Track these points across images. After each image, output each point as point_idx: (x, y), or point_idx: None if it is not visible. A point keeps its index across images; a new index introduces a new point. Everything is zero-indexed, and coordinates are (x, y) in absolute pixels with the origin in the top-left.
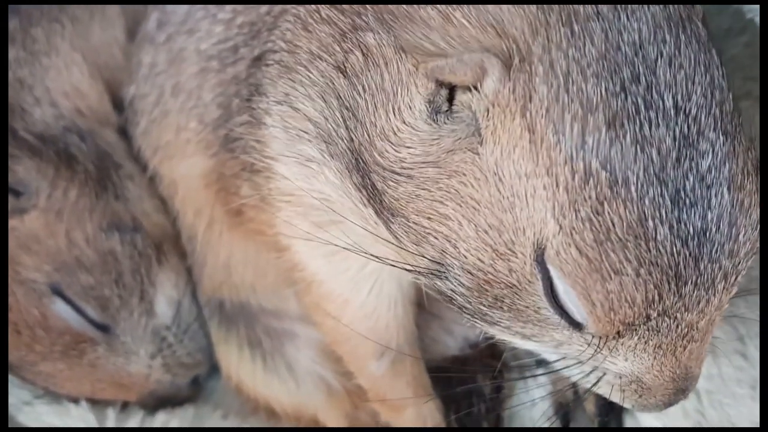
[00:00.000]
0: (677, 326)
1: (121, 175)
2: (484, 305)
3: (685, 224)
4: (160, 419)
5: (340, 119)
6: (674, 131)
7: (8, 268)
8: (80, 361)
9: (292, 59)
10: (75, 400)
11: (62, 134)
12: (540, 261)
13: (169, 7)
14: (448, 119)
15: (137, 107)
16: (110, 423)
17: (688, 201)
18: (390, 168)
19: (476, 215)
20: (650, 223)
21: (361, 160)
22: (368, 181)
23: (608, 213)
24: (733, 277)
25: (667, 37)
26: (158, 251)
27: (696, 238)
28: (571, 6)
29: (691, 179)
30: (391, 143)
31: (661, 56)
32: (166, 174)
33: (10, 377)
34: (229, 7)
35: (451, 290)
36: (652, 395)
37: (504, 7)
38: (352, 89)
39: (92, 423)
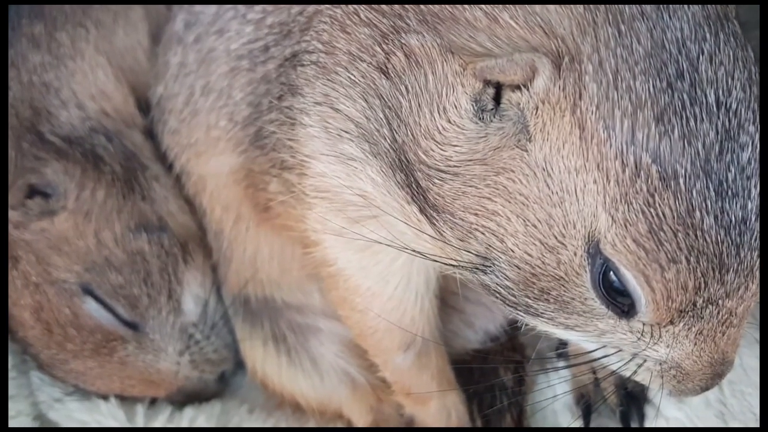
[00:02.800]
0: (719, 312)
1: (148, 176)
2: (529, 297)
3: (728, 214)
4: (187, 415)
5: (383, 119)
6: (717, 125)
7: (39, 268)
8: (110, 359)
9: (331, 60)
10: (104, 397)
11: (89, 135)
12: (592, 253)
13: (197, 8)
14: (495, 117)
15: (165, 107)
16: (139, 419)
17: (730, 192)
18: (435, 166)
19: (525, 210)
20: (698, 213)
21: (405, 159)
22: (412, 179)
23: (659, 205)
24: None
25: (708, 35)
26: (184, 251)
27: (737, 228)
28: (616, 6)
29: (733, 171)
30: (437, 142)
31: (703, 53)
32: (195, 171)
33: (41, 375)
34: (258, 8)
35: (496, 284)
36: (690, 380)
37: (551, 7)
38: (395, 90)
39: (122, 419)
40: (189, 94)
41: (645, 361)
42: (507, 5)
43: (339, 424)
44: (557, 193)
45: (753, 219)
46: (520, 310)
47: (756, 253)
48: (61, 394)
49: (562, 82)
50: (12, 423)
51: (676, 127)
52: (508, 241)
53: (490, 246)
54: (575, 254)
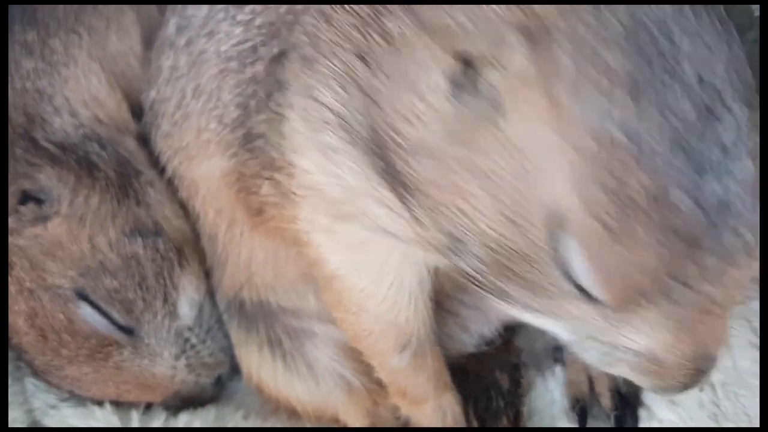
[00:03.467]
0: (697, 298)
1: (142, 182)
2: (502, 281)
3: (709, 195)
4: (182, 420)
5: (362, 107)
6: (698, 103)
7: (33, 274)
8: (106, 364)
9: (314, 51)
10: (99, 403)
11: (82, 142)
12: (557, 232)
13: (189, 11)
14: (471, 97)
15: (158, 110)
16: (134, 424)
17: (712, 172)
18: (412, 149)
19: (496, 189)
20: (675, 192)
21: (382, 145)
22: (390, 165)
23: (633, 184)
24: (753, 246)
25: (691, 16)
26: (179, 255)
27: (719, 209)
28: None
29: (716, 151)
30: (414, 125)
31: (686, 33)
32: (187, 175)
33: (36, 382)
34: (248, 8)
35: (471, 267)
36: (671, 376)
37: None
38: (373, 76)
39: (116, 425)
40: (180, 98)
41: (621, 352)
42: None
43: None
44: (529, 171)
45: (738, 202)
46: (495, 296)
47: (739, 239)
48: (55, 400)
49: (537, 57)
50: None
51: (653, 103)
52: (479, 221)
53: (462, 226)
54: (543, 233)
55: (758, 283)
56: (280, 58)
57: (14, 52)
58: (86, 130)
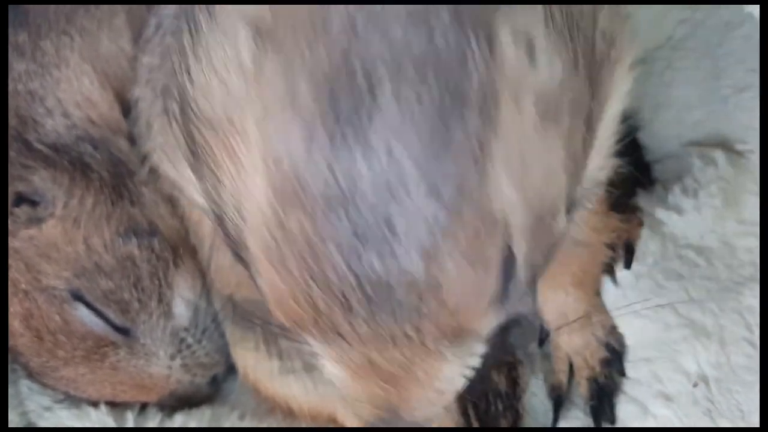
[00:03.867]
0: (352, 353)
1: (136, 182)
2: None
3: (363, 261)
4: (178, 421)
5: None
6: (374, 170)
7: (28, 276)
8: (102, 365)
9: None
10: (95, 404)
11: (75, 143)
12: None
13: (165, 10)
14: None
15: (140, 109)
16: (129, 425)
17: (369, 241)
18: (206, 120)
19: (231, 164)
20: (322, 239)
21: (186, 119)
22: (192, 138)
23: (290, 211)
24: (418, 343)
25: (410, 72)
26: (175, 254)
27: (374, 282)
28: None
29: (380, 222)
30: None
31: (391, 86)
32: (169, 174)
33: (30, 384)
34: None
35: (225, 232)
36: (348, 389)
37: None
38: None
39: (111, 426)
40: (153, 96)
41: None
42: None
43: None
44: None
45: (395, 285)
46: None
47: (393, 318)
48: (50, 402)
49: (258, 55)
50: None
51: (324, 155)
52: (223, 191)
53: (221, 198)
54: (238, 221)
55: (751, 279)
56: None
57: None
58: (79, 131)
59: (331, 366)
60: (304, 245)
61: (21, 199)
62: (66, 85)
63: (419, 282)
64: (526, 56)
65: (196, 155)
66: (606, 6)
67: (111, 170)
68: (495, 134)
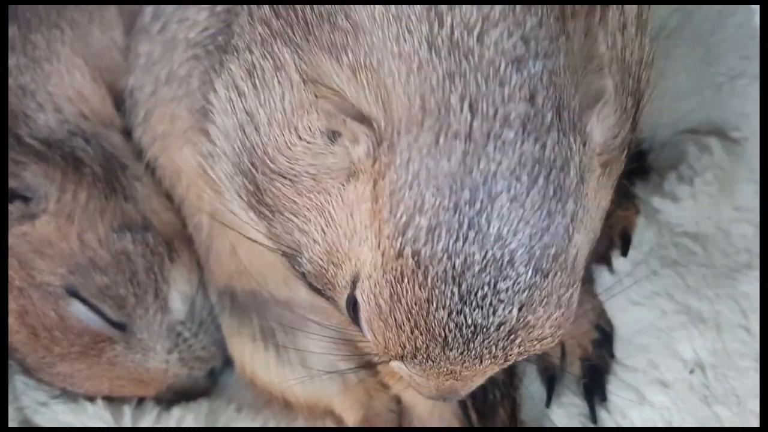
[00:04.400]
0: (439, 369)
1: (129, 176)
2: (318, 285)
3: (466, 317)
4: (175, 415)
5: (237, 122)
6: (486, 252)
7: (22, 273)
8: (99, 360)
9: (232, 47)
10: (91, 399)
11: (67, 138)
12: (352, 284)
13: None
14: (336, 148)
15: (136, 98)
16: (126, 419)
17: (475, 303)
18: (279, 172)
19: (328, 228)
20: (433, 306)
21: (250, 162)
22: (252, 181)
23: (405, 285)
24: (502, 360)
25: (524, 178)
26: (170, 248)
27: (473, 329)
28: (451, 117)
29: (486, 289)
30: (284, 156)
31: (507, 191)
32: (168, 164)
33: (26, 380)
34: None
35: (302, 270)
36: (423, 389)
37: (398, 86)
38: (255, 97)
39: (108, 420)
40: (155, 84)
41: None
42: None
43: (329, 422)
44: (351, 230)
45: (492, 330)
46: (315, 292)
47: (487, 351)
48: (46, 397)
49: (373, 160)
50: None
51: (443, 241)
52: (311, 244)
53: (300, 243)
54: (344, 277)
55: (746, 266)
56: (227, 45)
57: None
58: (71, 125)
59: (410, 370)
60: (414, 307)
61: (13, 195)
62: (57, 79)
63: (513, 325)
64: (604, 136)
65: (258, 198)
66: (648, 30)
67: (104, 165)
68: (583, 207)
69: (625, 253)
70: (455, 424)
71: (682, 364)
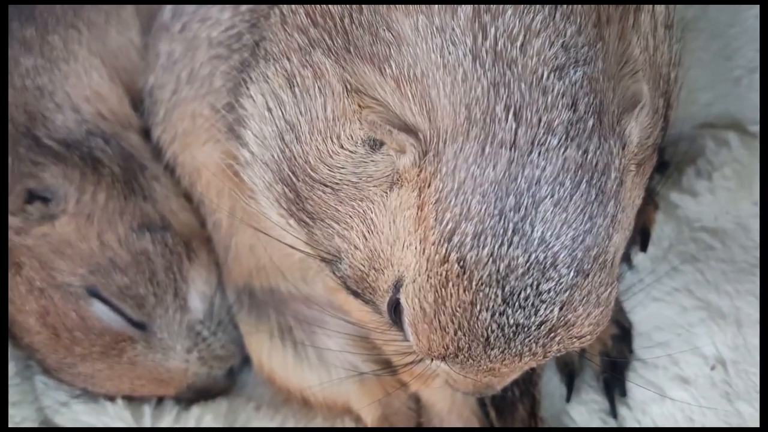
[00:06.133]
0: (479, 366)
1: (147, 176)
2: (358, 290)
3: (508, 317)
4: (194, 413)
5: (277, 130)
6: (530, 255)
7: (43, 273)
8: (120, 360)
9: (266, 53)
10: (111, 398)
11: (86, 138)
12: (395, 288)
13: None
14: (379, 156)
15: (156, 97)
16: (146, 419)
17: (517, 304)
18: (320, 180)
19: (370, 235)
20: (477, 308)
21: (290, 171)
22: (293, 189)
23: (450, 289)
24: (541, 357)
25: (567, 183)
26: (188, 248)
27: (515, 328)
28: (496, 126)
29: (528, 291)
30: (326, 164)
31: (551, 196)
32: (188, 162)
33: (46, 380)
34: None
35: (341, 274)
36: (460, 386)
37: (443, 98)
38: (295, 106)
39: (129, 420)
40: (176, 83)
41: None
42: (418, 70)
43: (347, 419)
44: (393, 236)
45: (534, 329)
46: (355, 296)
47: (527, 348)
48: (67, 397)
49: (418, 169)
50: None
51: (488, 246)
52: (352, 250)
53: (341, 249)
54: (386, 282)
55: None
56: (256, 46)
57: (13, 50)
58: (89, 125)
59: (449, 369)
60: (458, 310)
61: (32, 196)
62: (75, 79)
63: (554, 323)
64: (640, 138)
65: (298, 205)
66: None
67: (122, 165)
68: (621, 208)
69: (644, 249)
70: (474, 422)
71: (702, 360)
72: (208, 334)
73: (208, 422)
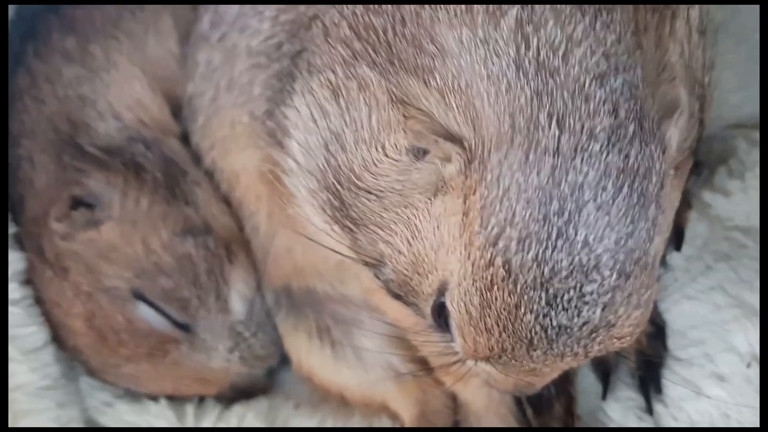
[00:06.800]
0: (522, 367)
1: (188, 181)
2: (401, 293)
3: (551, 320)
4: (236, 412)
5: (322, 140)
6: (573, 258)
7: (90, 278)
8: (164, 361)
9: (310, 65)
10: (154, 398)
11: (128, 145)
12: (439, 292)
13: (221, 7)
14: (422, 164)
15: (195, 105)
16: (189, 418)
17: (561, 306)
18: (365, 188)
19: (414, 240)
20: (521, 311)
21: (335, 180)
22: (337, 197)
23: (495, 293)
24: (582, 357)
25: (609, 187)
26: (228, 251)
27: (557, 330)
28: (540, 134)
29: (572, 293)
30: (371, 173)
31: (594, 200)
32: (226, 168)
33: (91, 381)
34: (274, 5)
35: (384, 278)
36: (500, 385)
37: (487, 108)
38: (340, 117)
39: (172, 419)
40: (215, 91)
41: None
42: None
43: (384, 417)
44: (438, 241)
45: (576, 329)
46: (397, 298)
47: (569, 349)
48: (111, 397)
49: (465, 177)
50: None
51: (533, 250)
52: (396, 255)
53: (385, 254)
54: (430, 286)
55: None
56: (297, 56)
57: (54, 60)
58: (131, 132)
59: (490, 369)
60: (503, 313)
61: (77, 203)
62: (116, 88)
63: (596, 324)
64: (678, 142)
65: (343, 212)
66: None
67: (164, 171)
68: (662, 211)
69: (678, 248)
70: (511, 420)
71: (738, 357)
72: (249, 335)
73: (250, 420)
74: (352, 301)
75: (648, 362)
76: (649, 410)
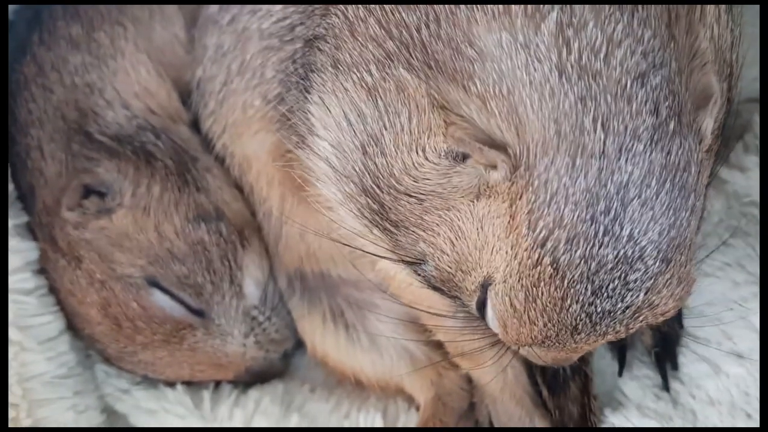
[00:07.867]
0: (564, 348)
1: (199, 168)
2: (443, 289)
3: (596, 307)
4: (252, 397)
5: (358, 143)
6: (618, 252)
7: (103, 266)
8: (180, 347)
9: (334, 60)
10: (171, 384)
11: (137, 133)
12: (483, 288)
13: None
14: (464, 167)
15: (205, 89)
16: (206, 403)
17: (606, 295)
18: (405, 191)
19: (457, 241)
20: (567, 302)
21: (374, 183)
22: (377, 200)
23: (541, 288)
24: (623, 334)
25: (653, 183)
26: (241, 237)
27: (601, 314)
28: (585, 138)
29: (616, 282)
30: (411, 176)
31: (639, 197)
32: (237, 152)
33: (107, 368)
34: None
35: (425, 274)
36: (541, 360)
37: (532, 115)
38: (378, 119)
39: (189, 405)
40: (226, 75)
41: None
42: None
43: (400, 400)
44: (481, 241)
45: (619, 312)
46: (438, 292)
47: (612, 329)
48: (128, 384)
49: (510, 183)
50: (81, 418)
51: (580, 249)
52: (439, 254)
53: (425, 253)
54: (473, 282)
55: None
56: (313, 42)
57: (60, 48)
58: (140, 120)
59: (529, 350)
60: (549, 305)
61: (88, 191)
62: (123, 75)
63: (639, 306)
64: (713, 128)
65: (383, 215)
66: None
67: (174, 158)
68: (700, 198)
69: None
70: (526, 401)
71: (756, 334)
72: (264, 319)
73: (266, 404)
74: (365, 284)
75: (664, 338)
76: (666, 387)
